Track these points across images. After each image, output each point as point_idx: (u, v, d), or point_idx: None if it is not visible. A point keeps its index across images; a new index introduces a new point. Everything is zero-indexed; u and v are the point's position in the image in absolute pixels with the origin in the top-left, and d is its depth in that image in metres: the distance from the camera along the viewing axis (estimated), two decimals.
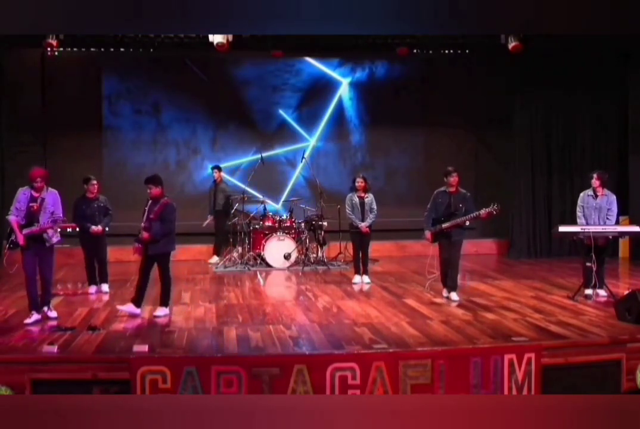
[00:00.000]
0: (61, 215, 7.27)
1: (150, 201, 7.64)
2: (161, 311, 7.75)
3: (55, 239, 7.29)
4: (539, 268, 11.38)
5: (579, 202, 8.73)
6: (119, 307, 7.81)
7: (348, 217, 9.94)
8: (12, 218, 7.22)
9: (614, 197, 8.63)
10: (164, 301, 7.82)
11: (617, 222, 8.77)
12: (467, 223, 8.45)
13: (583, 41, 11.45)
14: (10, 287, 9.55)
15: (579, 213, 8.69)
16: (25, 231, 7.14)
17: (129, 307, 7.72)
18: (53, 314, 7.44)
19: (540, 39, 11.27)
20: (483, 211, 8.32)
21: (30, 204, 7.18)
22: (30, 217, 7.17)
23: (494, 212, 8.33)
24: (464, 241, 8.80)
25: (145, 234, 7.57)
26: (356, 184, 9.95)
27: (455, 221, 8.44)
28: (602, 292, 8.54)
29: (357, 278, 10.05)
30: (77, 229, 7.82)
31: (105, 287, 9.43)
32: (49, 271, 7.41)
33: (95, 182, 9.27)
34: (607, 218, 8.54)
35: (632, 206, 12.28)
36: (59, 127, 12.64)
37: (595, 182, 8.55)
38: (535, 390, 6.16)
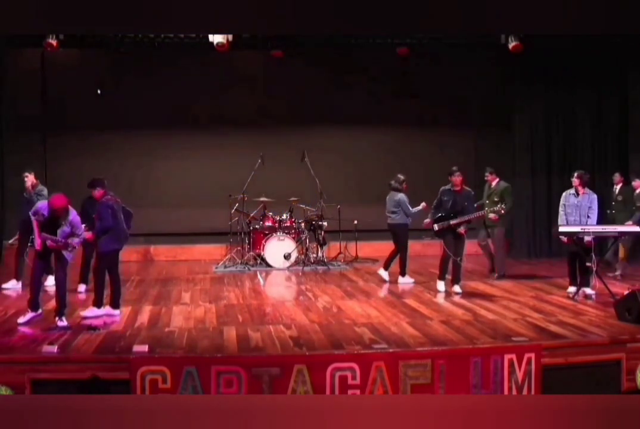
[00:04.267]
0: (80, 233, 7.33)
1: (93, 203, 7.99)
2: (92, 312, 7.70)
3: (69, 257, 7.33)
4: (539, 268, 11.38)
5: (561, 200, 8.99)
6: (82, 313, 7.70)
7: (412, 215, 9.94)
8: (34, 218, 7.21)
9: (594, 196, 8.88)
10: (116, 302, 7.81)
11: (600, 221, 8.95)
12: (471, 221, 8.96)
13: (583, 41, 11.46)
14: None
15: (560, 211, 8.95)
16: (44, 234, 7.13)
17: (92, 311, 7.69)
18: (63, 323, 7.23)
19: (540, 39, 11.29)
20: (490, 211, 8.92)
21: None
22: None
23: (502, 212, 8.96)
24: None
25: (89, 234, 7.66)
26: (405, 184, 10.07)
27: (463, 218, 8.86)
28: (588, 290, 8.71)
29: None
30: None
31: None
32: (63, 272, 7.33)
33: None
34: (588, 216, 8.76)
35: None
36: (59, 127, 12.64)
37: (575, 180, 8.85)
38: (535, 390, 6.16)
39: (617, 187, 10.92)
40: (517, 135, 13.04)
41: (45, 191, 9.47)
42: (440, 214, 9.08)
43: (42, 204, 7.33)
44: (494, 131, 13.36)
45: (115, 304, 7.83)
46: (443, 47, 12.38)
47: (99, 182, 7.88)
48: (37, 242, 7.23)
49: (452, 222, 8.90)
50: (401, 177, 10.11)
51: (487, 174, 10.80)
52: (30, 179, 9.68)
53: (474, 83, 13.13)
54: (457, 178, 9.08)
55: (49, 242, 7.14)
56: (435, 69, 13.21)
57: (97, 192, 7.82)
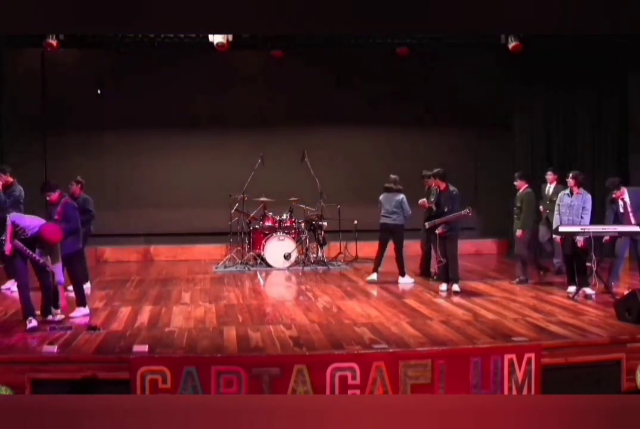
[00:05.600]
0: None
1: (51, 206, 7.83)
2: (79, 312, 7.74)
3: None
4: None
5: (557, 200, 9.12)
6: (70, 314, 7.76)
7: (410, 216, 10.01)
8: (10, 222, 7.03)
9: (588, 196, 8.93)
10: (80, 301, 7.84)
11: (592, 221, 8.93)
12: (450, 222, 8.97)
13: (583, 41, 11.46)
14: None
15: (555, 211, 9.06)
16: (17, 243, 7.00)
17: (79, 311, 7.79)
18: (57, 317, 7.36)
19: (540, 39, 11.29)
20: (453, 215, 8.89)
21: None
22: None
23: (467, 216, 8.88)
24: (457, 236, 9.23)
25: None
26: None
27: (441, 219, 8.98)
28: (588, 290, 8.69)
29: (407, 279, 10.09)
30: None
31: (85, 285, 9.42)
32: (45, 273, 7.32)
33: (73, 183, 9.33)
34: (582, 217, 8.79)
35: None
36: (58, 127, 12.65)
37: (570, 181, 8.89)
38: (535, 390, 6.16)
39: (551, 187, 10.52)
40: (517, 135, 13.05)
41: (17, 191, 9.39)
42: (429, 214, 9.34)
43: (30, 222, 7.09)
44: (494, 131, 13.36)
45: (82, 303, 7.86)
46: (443, 47, 12.39)
47: (55, 185, 7.84)
48: (7, 247, 7.02)
49: (436, 221, 9.03)
50: (397, 177, 10.13)
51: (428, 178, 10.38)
52: (3, 179, 9.42)
53: (474, 83, 13.13)
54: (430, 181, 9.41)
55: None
56: (436, 69, 13.21)
57: (56, 195, 7.76)
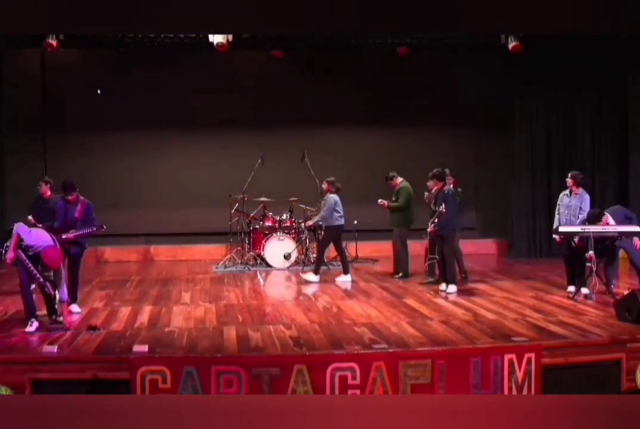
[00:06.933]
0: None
1: (63, 203, 7.96)
2: (74, 308, 7.93)
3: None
4: (539, 268, 11.37)
5: (558, 201, 9.14)
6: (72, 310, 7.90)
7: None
8: (16, 233, 7.05)
9: (587, 196, 8.94)
10: (75, 297, 7.97)
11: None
12: (436, 220, 9.02)
13: (583, 41, 11.48)
14: (10, 288, 9.55)
15: (556, 212, 9.11)
16: (20, 253, 7.01)
17: (74, 307, 7.98)
18: (60, 318, 7.35)
19: (540, 39, 11.30)
20: (436, 214, 9.04)
21: None
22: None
23: (442, 212, 8.92)
24: (453, 236, 9.22)
25: (71, 235, 7.69)
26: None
27: (433, 219, 9.13)
28: (587, 290, 8.65)
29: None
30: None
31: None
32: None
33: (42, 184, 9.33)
34: (578, 217, 8.78)
35: (632, 206, 12.27)
36: (59, 127, 12.65)
37: (569, 181, 8.92)
38: (535, 390, 6.16)
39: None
40: (517, 135, 13.06)
41: None
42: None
43: (35, 242, 7.05)
44: (494, 130, 13.36)
45: (76, 298, 8.04)
46: (443, 47, 12.39)
47: (75, 185, 7.98)
48: (10, 256, 7.03)
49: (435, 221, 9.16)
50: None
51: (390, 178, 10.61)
52: None
53: (474, 83, 13.13)
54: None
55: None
56: (436, 69, 13.20)
57: (75, 195, 7.93)
